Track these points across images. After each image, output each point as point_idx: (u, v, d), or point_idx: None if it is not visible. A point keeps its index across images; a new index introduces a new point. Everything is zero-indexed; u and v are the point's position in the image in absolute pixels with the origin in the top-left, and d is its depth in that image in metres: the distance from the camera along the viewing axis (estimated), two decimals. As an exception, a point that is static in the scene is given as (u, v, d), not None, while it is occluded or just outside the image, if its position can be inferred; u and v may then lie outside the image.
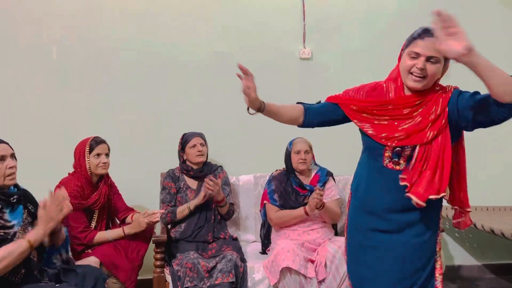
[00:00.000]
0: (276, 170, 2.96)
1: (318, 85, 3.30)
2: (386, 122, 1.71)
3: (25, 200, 2.05)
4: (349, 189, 2.08)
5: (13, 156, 2.01)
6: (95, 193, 2.57)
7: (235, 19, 3.30)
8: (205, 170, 2.91)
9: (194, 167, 2.90)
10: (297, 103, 1.88)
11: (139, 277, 2.60)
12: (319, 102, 1.90)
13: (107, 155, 2.60)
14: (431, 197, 1.63)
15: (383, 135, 1.71)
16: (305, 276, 2.48)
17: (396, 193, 1.70)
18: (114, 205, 2.76)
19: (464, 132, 1.74)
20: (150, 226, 2.62)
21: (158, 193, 2.94)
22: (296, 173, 2.85)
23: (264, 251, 2.88)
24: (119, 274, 2.46)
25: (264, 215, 2.88)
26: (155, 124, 3.24)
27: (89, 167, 2.54)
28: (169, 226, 2.86)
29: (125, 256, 2.53)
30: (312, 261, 2.57)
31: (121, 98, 3.18)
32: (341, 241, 2.58)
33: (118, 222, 2.81)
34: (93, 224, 2.60)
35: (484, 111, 1.57)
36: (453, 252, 3.58)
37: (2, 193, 1.94)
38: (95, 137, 2.61)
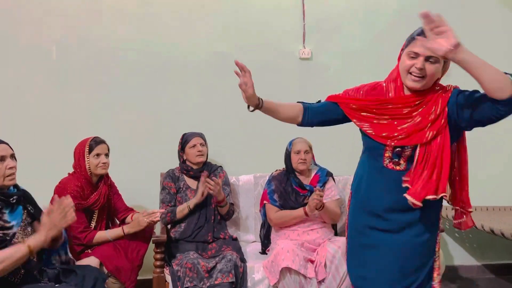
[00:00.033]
0: (276, 170, 2.96)
1: (318, 85, 3.30)
2: (385, 122, 1.72)
3: (25, 200, 2.05)
4: (349, 189, 2.09)
5: (13, 156, 2.01)
6: (95, 193, 2.57)
7: (235, 19, 3.30)
8: (205, 170, 2.91)
9: (194, 167, 2.90)
10: (298, 102, 1.88)
11: (139, 277, 2.59)
12: (319, 101, 1.91)
13: (106, 155, 2.60)
14: (429, 197, 1.62)
15: (383, 134, 1.71)
16: (304, 276, 2.48)
17: (396, 193, 1.70)
18: (114, 205, 2.76)
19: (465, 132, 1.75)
20: (150, 226, 2.62)
21: (158, 193, 2.94)
22: (296, 173, 2.85)
23: (264, 251, 2.88)
24: (119, 274, 2.46)
25: (264, 215, 2.88)
26: (155, 124, 3.24)
27: (89, 167, 2.54)
28: (169, 226, 2.86)
29: (125, 256, 2.53)
30: (312, 261, 2.57)
31: (121, 98, 3.18)
32: (340, 241, 2.58)
33: (118, 222, 2.80)
34: (93, 224, 2.60)
35: (481, 109, 1.58)
36: (453, 252, 3.58)
37: (2, 194, 1.94)
38: (94, 137, 2.61)
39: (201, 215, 2.81)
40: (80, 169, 2.54)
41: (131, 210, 2.81)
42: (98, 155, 2.56)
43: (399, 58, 1.72)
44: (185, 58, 3.25)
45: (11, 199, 1.97)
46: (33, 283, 1.97)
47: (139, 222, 2.56)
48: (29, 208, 2.05)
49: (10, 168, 1.96)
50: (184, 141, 2.91)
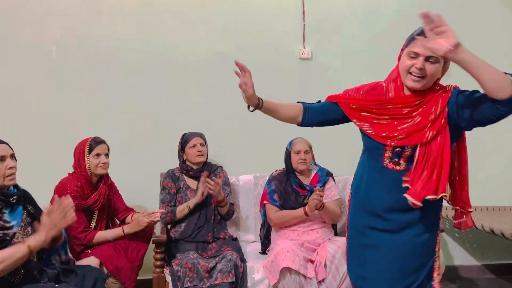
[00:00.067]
0: (276, 170, 2.96)
1: (318, 85, 3.30)
2: (385, 122, 1.72)
3: (25, 200, 2.05)
4: (349, 189, 2.09)
5: (13, 156, 2.01)
6: (95, 193, 2.57)
7: (235, 19, 3.30)
8: (205, 170, 2.91)
9: (194, 167, 2.90)
10: (298, 102, 1.88)
11: (139, 277, 2.59)
12: (319, 101, 1.91)
13: (106, 155, 2.60)
14: (429, 197, 1.62)
15: (383, 134, 1.71)
16: (304, 276, 2.48)
17: (396, 193, 1.70)
18: (114, 205, 2.76)
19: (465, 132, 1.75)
20: (150, 226, 2.62)
21: (158, 193, 2.94)
22: (296, 173, 2.85)
23: (264, 251, 2.88)
24: (119, 274, 2.46)
25: (264, 215, 2.88)
26: (155, 124, 3.24)
27: (89, 167, 2.54)
28: (169, 226, 2.86)
29: (125, 256, 2.53)
30: (312, 261, 2.57)
31: (121, 98, 3.18)
32: (340, 241, 2.58)
33: (118, 222, 2.80)
34: (93, 224, 2.60)
35: (481, 109, 1.58)
36: (453, 252, 3.58)
37: (2, 194, 1.94)
38: (94, 137, 2.61)
39: (201, 215, 2.81)
40: (80, 169, 2.54)
41: (131, 210, 2.81)
42: (98, 155, 2.55)
43: (399, 58, 1.72)
44: (185, 58, 3.25)
45: (11, 199, 1.97)
46: (33, 283, 1.97)
47: (139, 222, 2.56)
48: (29, 208, 2.05)
49: (10, 168, 1.96)
50: (184, 141, 2.91)
